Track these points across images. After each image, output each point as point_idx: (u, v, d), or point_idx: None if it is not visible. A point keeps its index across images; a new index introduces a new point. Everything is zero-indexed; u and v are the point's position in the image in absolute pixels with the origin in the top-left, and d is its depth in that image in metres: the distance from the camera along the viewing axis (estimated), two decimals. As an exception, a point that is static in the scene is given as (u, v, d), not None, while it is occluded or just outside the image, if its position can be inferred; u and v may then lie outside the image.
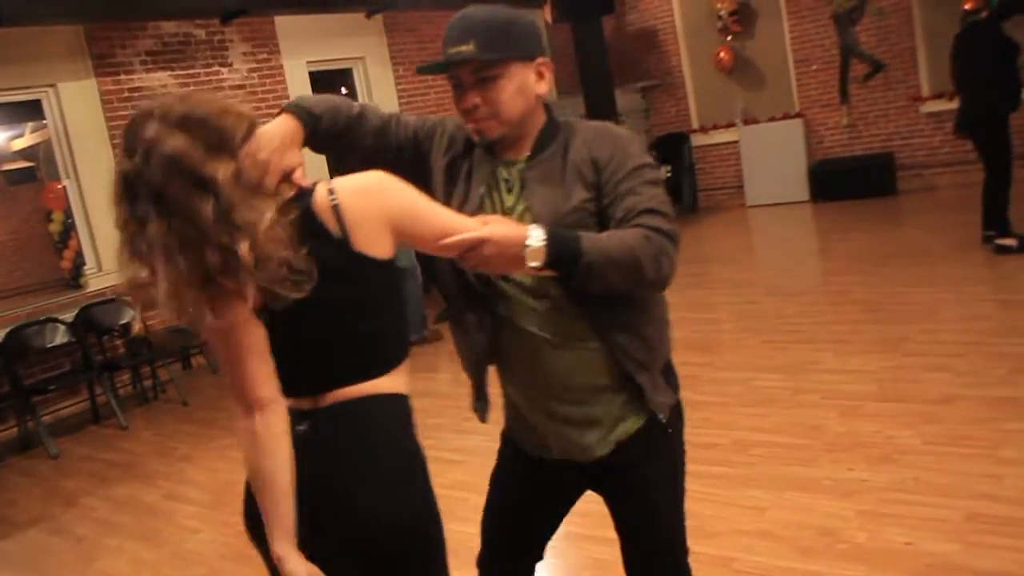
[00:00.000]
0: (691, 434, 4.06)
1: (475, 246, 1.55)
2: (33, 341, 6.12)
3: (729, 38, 10.59)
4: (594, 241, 1.60)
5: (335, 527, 1.54)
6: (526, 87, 1.73)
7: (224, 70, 7.99)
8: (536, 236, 1.55)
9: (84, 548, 4.21)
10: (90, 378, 6.41)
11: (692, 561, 2.99)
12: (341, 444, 1.57)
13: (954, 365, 4.34)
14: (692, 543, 3.12)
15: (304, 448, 1.54)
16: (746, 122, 10.62)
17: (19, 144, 7.59)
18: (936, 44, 8.72)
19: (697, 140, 11.30)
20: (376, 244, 1.57)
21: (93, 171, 7.06)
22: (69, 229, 7.11)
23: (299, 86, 8.53)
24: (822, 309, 5.92)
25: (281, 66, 8.44)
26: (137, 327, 6.75)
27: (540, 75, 1.77)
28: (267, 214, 1.43)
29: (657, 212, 1.65)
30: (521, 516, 2.05)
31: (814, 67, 10.15)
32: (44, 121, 7.04)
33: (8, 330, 6.05)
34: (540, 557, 2.12)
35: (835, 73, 9.74)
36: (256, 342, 1.52)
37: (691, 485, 3.52)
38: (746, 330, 5.71)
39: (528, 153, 1.78)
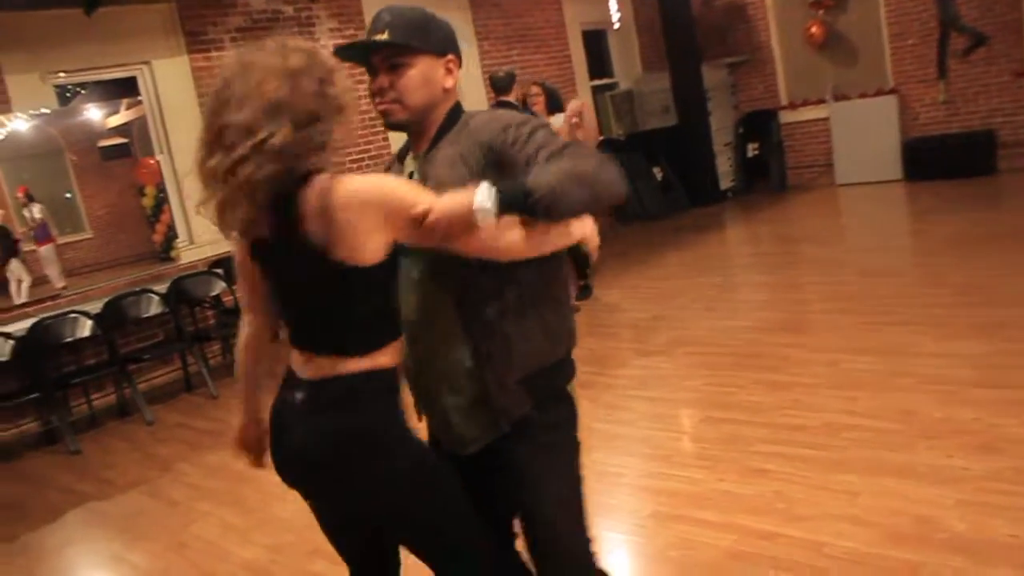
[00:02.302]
0: (780, 415, 4.04)
1: (428, 223, 1.63)
2: (129, 311, 6.31)
3: (821, 12, 10.28)
4: (537, 174, 1.64)
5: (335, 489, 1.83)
6: (432, 79, 1.87)
7: (311, 46, 8.06)
8: (481, 195, 1.60)
9: (178, 512, 4.33)
10: (182, 348, 6.59)
11: (780, 543, 2.96)
12: (327, 418, 1.77)
13: (1059, 352, 4.16)
14: (781, 526, 3.08)
15: (296, 416, 1.80)
16: (837, 98, 10.31)
17: (115, 121, 7.80)
18: (1044, 16, 8.34)
19: (785, 117, 11.02)
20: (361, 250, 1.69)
21: (186, 146, 7.20)
22: (161, 203, 7.31)
23: (384, 63, 8.58)
24: (917, 291, 5.72)
25: (367, 43, 8.48)
26: (227, 299, 6.91)
27: (448, 71, 1.91)
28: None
29: (573, 145, 1.75)
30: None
31: (911, 41, 9.78)
32: (139, 98, 7.23)
33: (106, 300, 6.24)
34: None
35: (933, 47, 9.35)
36: (247, 272, 1.94)
37: (781, 466, 3.50)
38: (837, 311, 5.56)
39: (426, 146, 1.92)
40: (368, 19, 8.30)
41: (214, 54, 7.41)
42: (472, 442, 1.90)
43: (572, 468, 1.95)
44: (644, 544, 3.16)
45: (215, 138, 1.69)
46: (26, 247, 6.80)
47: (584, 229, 1.83)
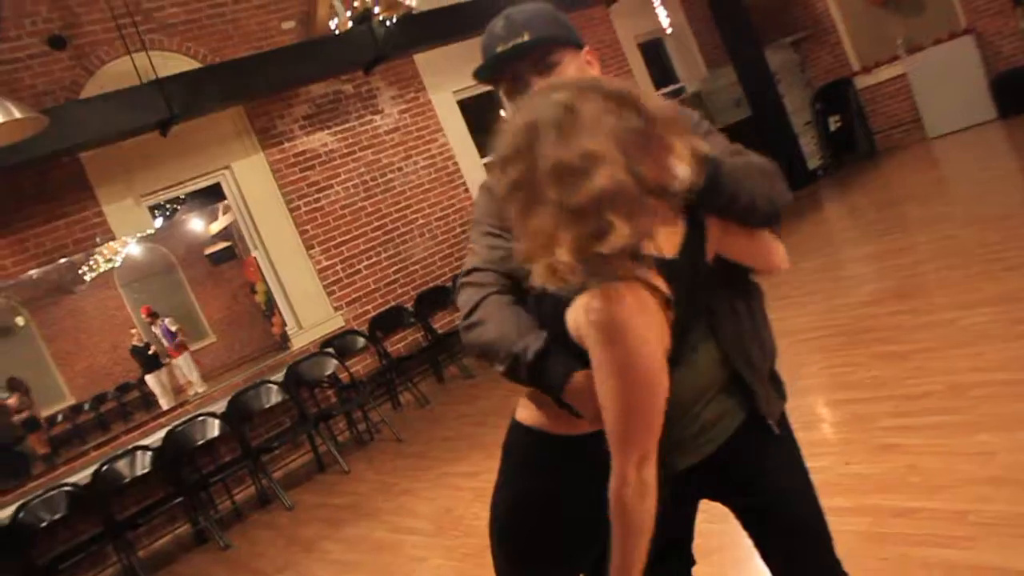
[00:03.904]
0: (902, 386, 3.88)
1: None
2: (252, 404, 6.55)
3: (876, -33, 10.01)
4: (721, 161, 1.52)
5: None
6: (583, 72, 1.71)
7: (376, 117, 8.31)
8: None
9: (327, 589, 4.45)
10: (308, 430, 6.78)
11: (920, 518, 2.83)
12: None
13: None
14: (918, 500, 2.95)
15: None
16: (910, 51, 9.95)
17: (216, 227, 8.19)
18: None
19: (861, 82, 10.71)
20: None
21: (276, 237, 7.53)
22: (272, 297, 7.60)
23: (451, 117, 8.76)
24: (1030, 230, 5.44)
25: (429, 101, 8.70)
26: (342, 375, 7.10)
27: (590, 63, 1.75)
28: None
29: (746, 151, 1.65)
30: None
31: (975, -24, 9.41)
32: (227, 201, 7.58)
33: (229, 398, 6.50)
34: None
35: (1000, -23, 8.99)
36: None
37: (910, 439, 3.35)
38: (947, 267, 5.32)
39: None
40: (427, 80, 8.61)
41: (286, 145, 7.71)
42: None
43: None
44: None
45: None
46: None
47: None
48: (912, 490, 3.00)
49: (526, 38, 1.65)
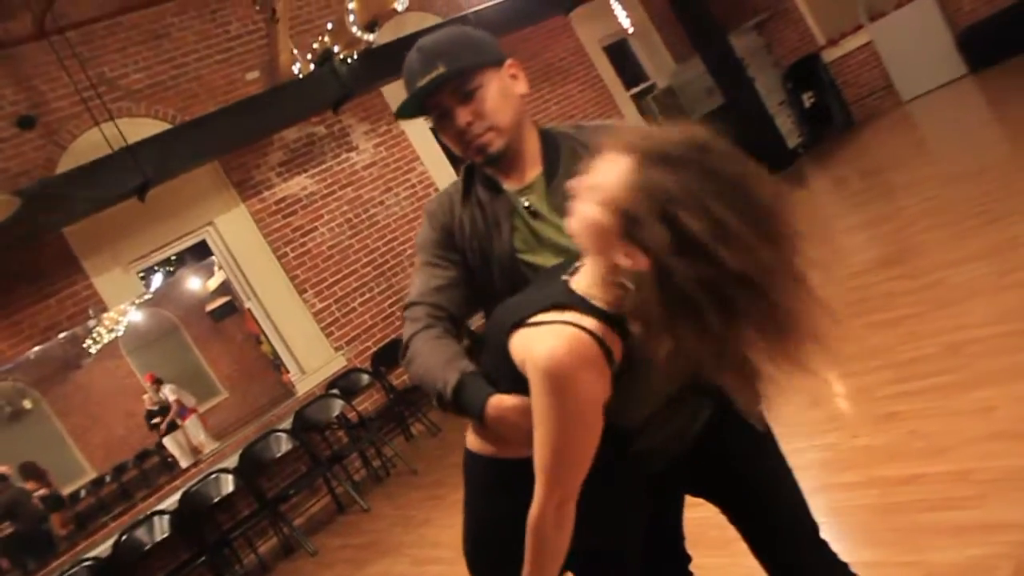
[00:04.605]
0: (897, 352, 3.87)
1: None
2: (263, 455, 6.53)
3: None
4: None
5: None
6: (508, 90, 1.70)
7: (352, 154, 8.34)
8: None
9: (355, 630, 4.43)
10: (323, 473, 6.76)
11: (926, 483, 2.81)
12: None
13: None
14: (923, 465, 2.93)
15: None
16: (873, 19, 9.98)
17: (213, 283, 8.19)
18: None
19: (829, 55, 10.74)
20: None
21: (268, 285, 7.54)
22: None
23: (426, 144, 8.77)
24: (1006, 182, 5.41)
25: (403, 132, 8.71)
26: (351, 415, 7.09)
27: (514, 76, 1.73)
28: None
29: None
30: None
31: (925, -65, 9.43)
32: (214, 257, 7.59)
33: (240, 451, 6.49)
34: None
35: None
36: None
37: (910, 404, 3.34)
38: (931, 228, 5.31)
39: (539, 170, 1.71)
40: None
41: (266, 193, 7.73)
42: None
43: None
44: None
45: None
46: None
47: None
48: (917, 455, 2.98)
49: (441, 70, 1.62)
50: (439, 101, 1.67)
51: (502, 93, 1.68)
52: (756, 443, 1.76)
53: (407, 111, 1.72)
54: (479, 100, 1.65)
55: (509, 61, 1.74)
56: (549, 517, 1.41)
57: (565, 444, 1.37)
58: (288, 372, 7.62)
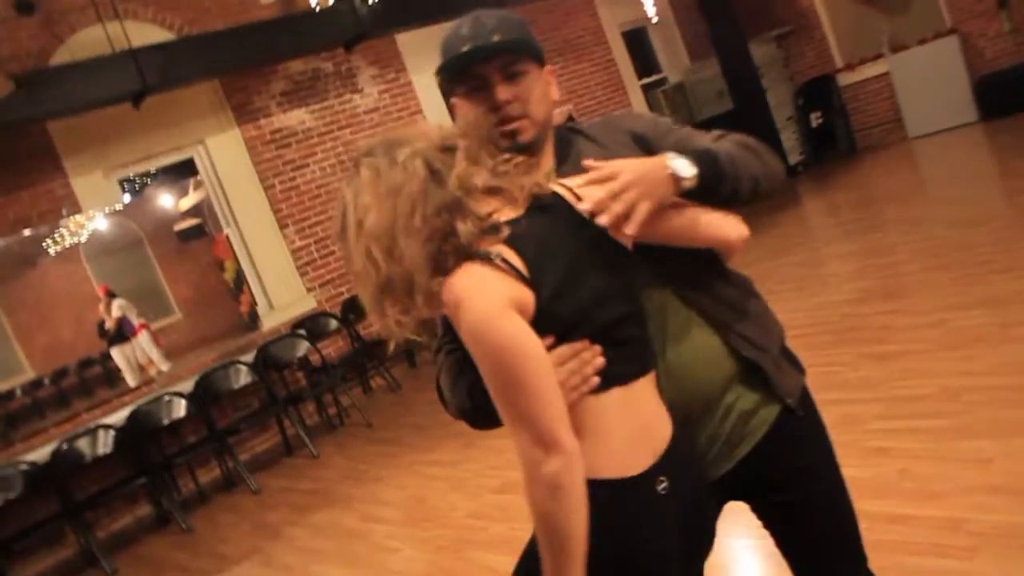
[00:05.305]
0: (891, 387, 3.80)
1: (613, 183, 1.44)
2: (220, 385, 6.38)
3: (862, -36, 9.97)
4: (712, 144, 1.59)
5: None
6: (546, 89, 1.63)
7: (356, 96, 8.13)
8: (680, 165, 1.48)
9: (294, 577, 4.31)
10: (277, 413, 6.62)
11: (915, 525, 2.75)
12: None
13: None
14: (913, 507, 2.87)
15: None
16: (894, 50, 9.92)
17: (186, 203, 7.99)
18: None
19: (844, 79, 10.67)
20: None
21: (250, 215, 7.34)
22: (241, 275, 7.43)
23: (431, 100, 8.59)
24: (1015, 234, 5.39)
25: (410, 82, 8.52)
26: (314, 358, 6.94)
27: (549, 82, 1.67)
28: None
29: (727, 133, 1.66)
30: None
31: (961, -24, 9.38)
32: (200, 176, 7.37)
33: (197, 377, 6.32)
34: None
35: (986, -22, 8.97)
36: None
37: (900, 442, 3.28)
38: (933, 268, 5.27)
39: (551, 164, 1.66)
40: (408, 61, 8.46)
41: (263, 121, 7.51)
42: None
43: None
44: (767, 546, 2.98)
45: None
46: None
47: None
48: (906, 496, 2.92)
49: (498, 38, 1.54)
50: (485, 71, 1.56)
51: (543, 90, 1.62)
52: (814, 447, 1.70)
53: (450, 69, 1.59)
54: (524, 86, 1.57)
55: (548, 67, 1.67)
56: (541, 481, 1.26)
57: (496, 365, 1.31)
58: (248, 303, 7.44)
